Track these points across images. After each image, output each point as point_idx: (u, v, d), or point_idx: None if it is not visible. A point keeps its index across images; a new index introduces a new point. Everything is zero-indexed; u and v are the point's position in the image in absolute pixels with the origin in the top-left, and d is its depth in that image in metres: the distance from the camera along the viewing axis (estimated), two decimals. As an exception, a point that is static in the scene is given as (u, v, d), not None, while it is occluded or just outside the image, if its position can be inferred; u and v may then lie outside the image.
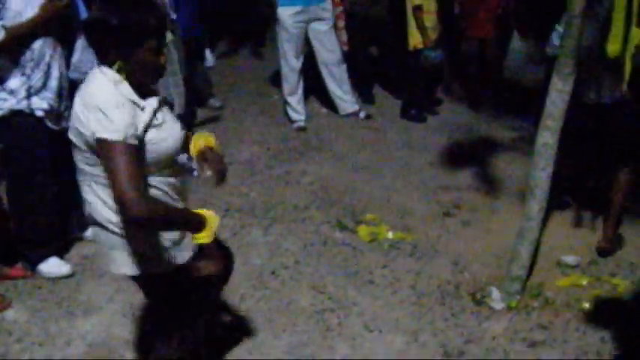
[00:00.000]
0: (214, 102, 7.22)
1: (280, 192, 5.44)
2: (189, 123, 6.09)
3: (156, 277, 2.68)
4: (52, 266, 4.34)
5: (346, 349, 3.71)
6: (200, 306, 2.88)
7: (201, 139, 2.82)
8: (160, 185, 2.52)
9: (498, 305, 4.01)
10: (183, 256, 2.65)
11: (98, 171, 2.42)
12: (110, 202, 2.44)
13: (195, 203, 4.93)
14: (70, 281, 4.30)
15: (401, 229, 4.85)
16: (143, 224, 2.39)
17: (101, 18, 2.33)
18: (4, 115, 3.90)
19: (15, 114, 3.89)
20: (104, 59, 2.41)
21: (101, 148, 2.31)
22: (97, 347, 3.74)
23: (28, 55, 3.85)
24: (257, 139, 6.42)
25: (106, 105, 2.31)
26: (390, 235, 4.77)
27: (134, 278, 2.73)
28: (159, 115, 2.46)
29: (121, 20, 2.30)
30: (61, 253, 4.46)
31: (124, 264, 2.62)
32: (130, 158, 2.29)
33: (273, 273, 4.37)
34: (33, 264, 4.35)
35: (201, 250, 2.69)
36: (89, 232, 4.21)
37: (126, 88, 2.38)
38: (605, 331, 3.80)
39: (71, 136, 2.45)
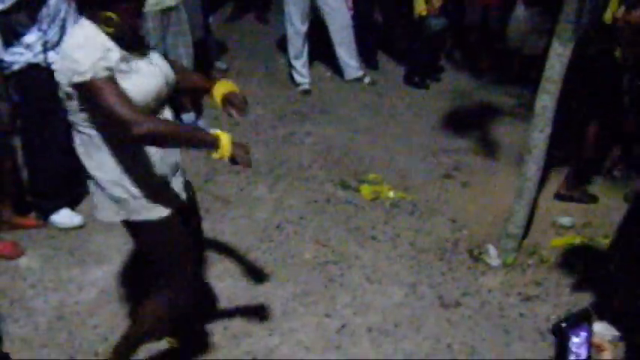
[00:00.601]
0: (220, 64, 7.29)
1: (285, 152, 5.56)
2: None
3: (136, 226, 2.84)
4: (64, 217, 4.48)
5: (347, 299, 3.87)
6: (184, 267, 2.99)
7: (222, 87, 2.93)
8: None
9: (494, 262, 4.17)
10: (156, 211, 2.79)
11: (77, 118, 2.61)
12: (87, 149, 2.66)
13: (201, 162, 5.12)
14: (82, 232, 4.44)
15: (402, 188, 4.99)
16: (149, 140, 2.53)
17: None
18: (21, 69, 4.01)
19: (31, 67, 4.00)
20: (88, 12, 2.57)
21: (83, 92, 2.50)
22: (107, 293, 3.89)
23: (44, 10, 3.94)
24: (262, 101, 6.51)
25: (72, 48, 2.52)
26: (392, 194, 4.91)
27: (125, 225, 2.90)
28: (125, 64, 2.58)
29: None
30: (73, 205, 4.60)
31: (102, 209, 2.82)
32: (110, 87, 2.46)
33: (277, 227, 4.52)
34: (45, 214, 4.49)
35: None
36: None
37: (94, 31, 2.54)
38: (596, 287, 3.95)
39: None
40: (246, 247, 4.31)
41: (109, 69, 2.49)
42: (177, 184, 2.89)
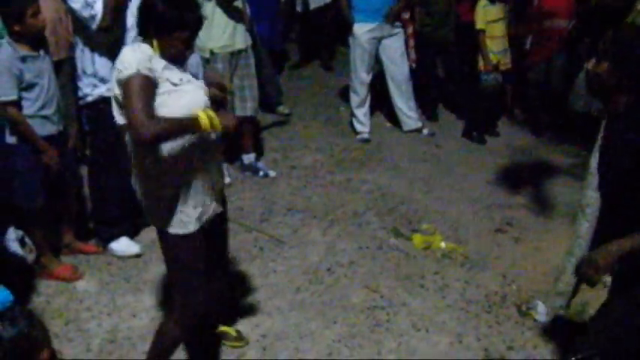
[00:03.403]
0: (283, 108, 7.46)
1: (340, 197, 5.65)
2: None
3: (166, 236, 3.03)
4: (123, 245, 4.64)
5: (393, 344, 3.90)
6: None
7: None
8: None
9: (542, 318, 4.15)
10: (187, 226, 2.98)
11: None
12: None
13: (259, 202, 5.25)
14: (138, 261, 4.60)
15: (454, 240, 5.02)
16: (156, 141, 2.75)
17: (150, 2, 2.81)
18: (95, 101, 4.22)
19: (104, 100, 4.18)
20: (145, 35, 2.87)
21: (122, 93, 2.74)
22: (159, 321, 3.98)
23: (121, 46, 4.14)
24: (321, 147, 6.66)
25: (123, 54, 2.79)
26: (443, 245, 4.94)
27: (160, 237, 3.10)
28: (171, 73, 2.83)
29: (163, 8, 2.76)
30: (133, 234, 4.76)
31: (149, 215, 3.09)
32: (142, 86, 2.70)
33: (328, 270, 4.59)
34: (105, 242, 4.66)
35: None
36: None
37: (144, 45, 2.83)
38: None
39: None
40: (296, 287, 4.39)
41: (152, 70, 2.74)
42: (213, 205, 3.09)
